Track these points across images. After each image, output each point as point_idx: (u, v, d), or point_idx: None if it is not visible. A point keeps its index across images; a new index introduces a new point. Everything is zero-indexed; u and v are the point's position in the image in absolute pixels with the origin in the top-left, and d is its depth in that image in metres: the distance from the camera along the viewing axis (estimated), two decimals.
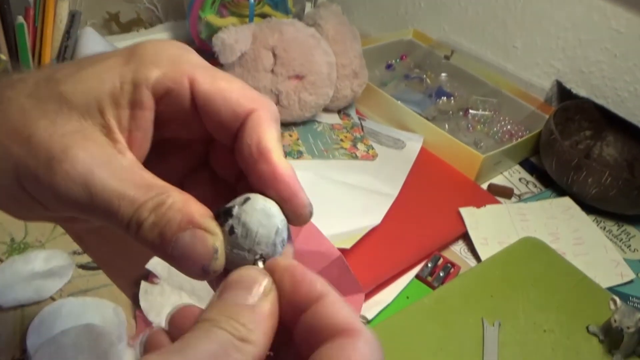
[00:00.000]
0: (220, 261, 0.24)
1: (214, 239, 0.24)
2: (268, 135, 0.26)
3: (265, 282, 0.23)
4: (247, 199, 0.26)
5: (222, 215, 0.25)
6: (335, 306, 0.22)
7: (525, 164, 0.91)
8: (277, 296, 0.23)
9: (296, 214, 0.27)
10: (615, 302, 0.59)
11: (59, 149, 0.25)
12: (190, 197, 0.25)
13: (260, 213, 0.25)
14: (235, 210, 0.25)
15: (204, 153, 0.32)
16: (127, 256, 0.58)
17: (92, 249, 0.61)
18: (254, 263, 0.25)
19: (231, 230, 0.25)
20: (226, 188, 0.31)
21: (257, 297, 0.23)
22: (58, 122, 0.26)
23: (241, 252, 0.25)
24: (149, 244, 0.24)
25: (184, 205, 0.25)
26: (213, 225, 0.25)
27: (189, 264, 0.24)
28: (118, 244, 0.59)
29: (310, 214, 0.27)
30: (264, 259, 0.25)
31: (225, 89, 0.27)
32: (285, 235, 0.26)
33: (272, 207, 0.26)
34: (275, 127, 0.27)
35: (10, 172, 0.26)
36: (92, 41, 0.77)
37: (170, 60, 0.27)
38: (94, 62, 0.27)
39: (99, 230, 0.36)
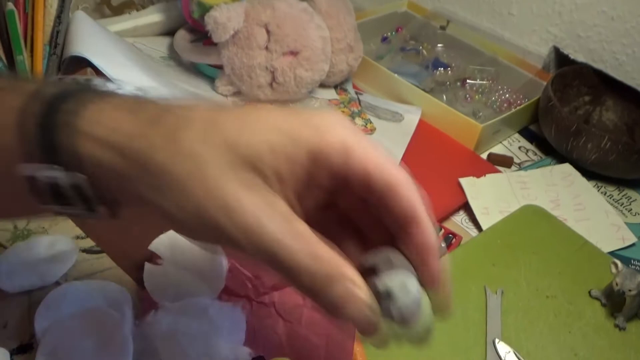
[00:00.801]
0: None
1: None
2: (420, 203, 0.31)
3: None
4: (397, 274, 0.31)
5: (381, 295, 0.30)
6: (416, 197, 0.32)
7: (525, 132, 0.91)
8: None
9: (430, 284, 0.32)
10: (616, 266, 0.59)
11: (232, 203, 0.28)
12: (358, 276, 0.29)
13: (412, 301, 0.30)
14: (392, 292, 0.30)
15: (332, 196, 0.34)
16: (130, 239, 0.59)
17: (95, 232, 0.61)
18: None
19: (387, 312, 0.30)
20: (353, 229, 0.36)
21: None
22: (227, 172, 0.28)
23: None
24: (326, 306, 0.29)
25: (356, 285, 0.29)
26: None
27: (360, 326, 0.30)
28: (121, 227, 0.60)
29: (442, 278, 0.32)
30: None
31: (377, 156, 0.30)
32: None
33: (422, 295, 0.32)
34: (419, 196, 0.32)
35: (193, 213, 0.28)
36: (83, 25, 0.76)
37: (326, 126, 0.30)
38: (265, 113, 0.30)
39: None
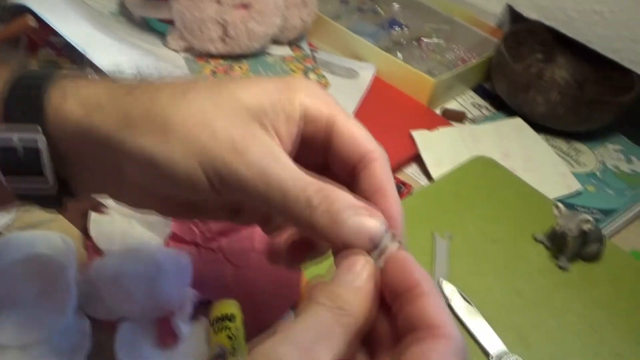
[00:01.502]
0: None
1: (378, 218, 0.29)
2: (387, 175, 0.32)
3: (369, 267, 0.27)
4: None
5: None
6: (435, 304, 0.25)
7: (479, 90, 0.91)
8: (379, 280, 0.27)
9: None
10: (558, 208, 0.61)
11: (241, 143, 0.29)
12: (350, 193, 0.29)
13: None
14: None
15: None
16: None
17: None
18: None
19: None
20: None
21: (361, 281, 0.26)
22: (235, 121, 0.30)
23: None
24: (319, 227, 0.28)
25: (348, 197, 0.28)
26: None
27: (359, 240, 0.27)
28: None
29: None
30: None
31: (355, 131, 0.32)
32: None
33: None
34: (390, 170, 0.33)
35: (196, 155, 0.29)
36: None
37: (319, 96, 0.32)
38: (257, 79, 0.32)
39: None
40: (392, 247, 0.28)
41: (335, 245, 0.28)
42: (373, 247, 0.28)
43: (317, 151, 0.33)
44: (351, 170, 0.32)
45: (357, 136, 0.32)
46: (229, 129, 0.29)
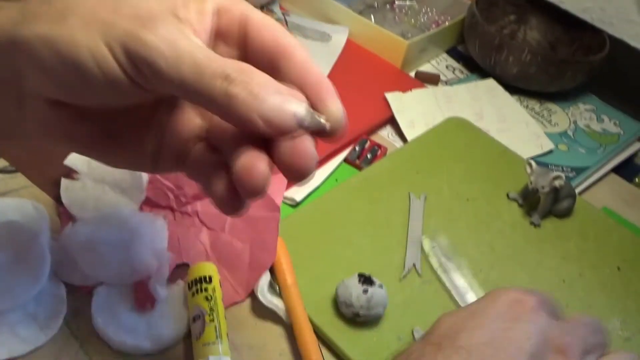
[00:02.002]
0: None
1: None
2: (310, 63, 0.30)
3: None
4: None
5: None
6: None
7: (453, 52, 0.91)
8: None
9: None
10: (530, 166, 0.61)
11: (147, 15, 0.27)
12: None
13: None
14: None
15: None
16: (44, 155, 0.57)
17: (7, 152, 0.59)
18: None
19: None
20: None
21: None
22: (141, 3, 0.28)
23: None
24: (238, 103, 0.26)
25: (269, 77, 0.27)
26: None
27: (282, 116, 0.26)
28: (34, 145, 0.58)
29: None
30: None
31: (271, 24, 0.31)
32: None
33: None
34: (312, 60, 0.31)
35: (98, 30, 0.27)
36: None
37: None
38: None
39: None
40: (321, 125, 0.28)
41: (255, 126, 0.26)
42: (298, 126, 0.27)
43: (233, 48, 0.32)
44: (271, 64, 0.30)
45: (273, 29, 0.30)
46: (134, 5, 0.28)
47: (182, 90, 0.27)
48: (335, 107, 0.29)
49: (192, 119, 0.34)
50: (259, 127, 0.26)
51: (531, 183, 0.61)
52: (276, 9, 0.87)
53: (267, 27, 0.30)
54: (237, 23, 0.31)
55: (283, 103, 0.26)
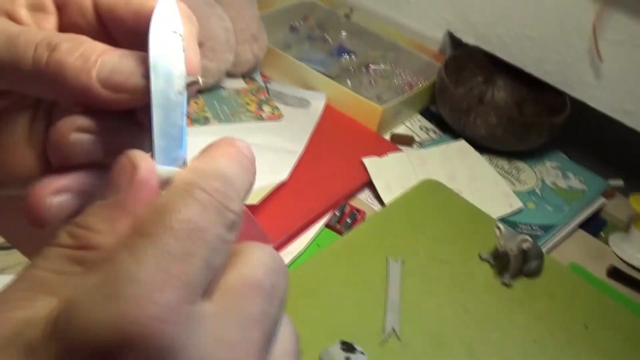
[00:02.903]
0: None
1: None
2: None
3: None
4: None
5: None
6: None
7: (426, 113, 0.96)
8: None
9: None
10: (499, 229, 0.65)
11: None
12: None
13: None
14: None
15: None
16: (41, 233, 0.59)
17: (4, 229, 0.61)
18: None
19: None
20: None
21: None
22: None
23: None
24: (69, 68, 0.22)
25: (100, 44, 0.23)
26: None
27: (120, 79, 0.22)
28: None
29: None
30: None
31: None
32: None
33: None
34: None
35: None
36: None
37: None
38: None
39: (11, 208, 0.33)
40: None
41: (92, 92, 0.22)
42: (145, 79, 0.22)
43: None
44: (131, 35, 0.25)
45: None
46: None
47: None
48: (196, 57, 0.24)
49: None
50: (98, 94, 0.22)
51: (500, 246, 0.64)
52: (257, 77, 0.91)
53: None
54: (90, 13, 0.26)
55: (122, 58, 0.23)
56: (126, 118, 0.25)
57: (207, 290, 0.19)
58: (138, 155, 0.20)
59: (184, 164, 0.22)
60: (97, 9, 0.25)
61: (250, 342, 0.19)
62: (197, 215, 0.19)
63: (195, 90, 0.24)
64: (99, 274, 0.18)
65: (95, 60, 0.22)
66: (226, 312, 0.19)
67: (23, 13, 0.24)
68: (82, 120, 0.24)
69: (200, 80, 0.23)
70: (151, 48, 0.22)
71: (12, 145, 0.26)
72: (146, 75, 0.22)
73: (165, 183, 0.21)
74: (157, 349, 0.17)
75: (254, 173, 0.22)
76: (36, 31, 0.23)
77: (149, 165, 0.20)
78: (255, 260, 0.21)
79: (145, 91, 0.22)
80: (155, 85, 0.22)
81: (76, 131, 0.24)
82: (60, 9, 0.26)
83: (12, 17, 0.24)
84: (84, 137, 0.24)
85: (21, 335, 0.18)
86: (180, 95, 0.23)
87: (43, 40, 0.23)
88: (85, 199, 0.25)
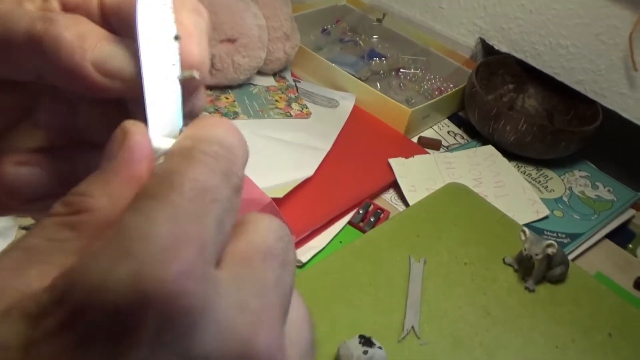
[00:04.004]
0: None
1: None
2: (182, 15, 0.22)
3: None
4: None
5: None
6: None
7: (454, 118, 0.96)
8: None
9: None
10: (525, 233, 0.65)
11: None
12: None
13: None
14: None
15: None
16: None
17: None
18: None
19: None
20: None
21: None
22: None
23: None
24: (63, 44, 0.21)
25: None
26: None
27: (116, 65, 0.21)
28: None
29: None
30: None
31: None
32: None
33: None
34: (187, 14, 0.22)
35: None
36: None
37: None
38: None
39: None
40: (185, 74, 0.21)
41: (84, 74, 0.21)
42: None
43: None
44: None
45: None
46: None
47: None
48: (197, 50, 0.22)
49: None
50: (91, 76, 0.21)
51: (525, 250, 0.64)
52: (288, 76, 0.92)
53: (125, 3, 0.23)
54: (96, 7, 0.23)
55: (120, 45, 0.21)
56: (108, 113, 0.24)
57: (217, 257, 0.18)
58: (130, 123, 0.20)
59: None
60: (103, 10, 0.23)
61: (269, 308, 0.18)
62: (204, 175, 0.18)
63: (194, 86, 0.22)
64: (107, 236, 0.16)
65: (94, 43, 0.21)
66: (241, 279, 0.18)
67: (29, 5, 0.23)
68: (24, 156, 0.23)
69: (197, 75, 0.21)
70: (140, 30, 0.21)
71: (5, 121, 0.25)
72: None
73: (162, 155, 0.20)
74: (179, 309, 0.15)
75: (247, 149, 0.20)
76: (32, 9, 0.22)
77: (142, 130, 0.19)
78: (264, 227, 0.20)
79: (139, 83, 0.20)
80: (147, 68, 0.20)
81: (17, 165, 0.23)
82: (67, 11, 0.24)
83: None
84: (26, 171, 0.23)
85: (19, 305, 0.16)
86: (174, 85, 0.21)
87: (39, 12, 0.21)
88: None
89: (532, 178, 0.85)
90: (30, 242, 0.18)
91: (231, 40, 0.80)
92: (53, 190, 0.24)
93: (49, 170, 0.24)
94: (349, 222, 0.71)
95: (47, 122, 0.25)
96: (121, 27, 0.23)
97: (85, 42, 0.21)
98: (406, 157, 0.81)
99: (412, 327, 0.59)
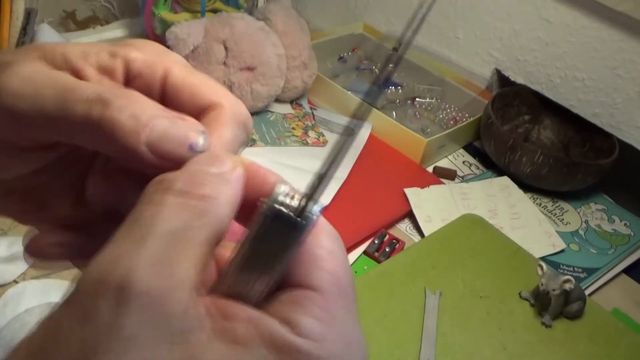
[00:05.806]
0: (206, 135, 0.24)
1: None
2: (218, 133, 0.25)
3: (234, 158, 0.23)
4: None
5: None
6: None
7: (469, 148, 0.96)
8: (244, 173, 0.23)
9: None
10: (542, 268, 0.64)
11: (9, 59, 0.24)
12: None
13: None
14: None
15: None
16: None
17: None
18: None
19: None
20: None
21: (225, 167, 0.22)
22: (18, 57, 0.24)
23: None
24: (118, 126, 0.22)
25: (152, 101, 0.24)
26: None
27: (168, 147, 0.22)
28: None
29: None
30: None
31: (195, 83, 0.26)
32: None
33: None
34: (233, 127, 0.25)
35: None
36: (48, 38, 0.79)
37: (153, 51, 0.26)
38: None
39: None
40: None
41: (138, 154, 0.22)
42: (190, 154, 0.22)
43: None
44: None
45: (196, 86, 0.26)
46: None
47: (48, 123, 0.23)
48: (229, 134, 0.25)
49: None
50: (145, 157, 0.22)
51: (542, 285, 0.63)
52: (305, 103, 0.93)
53: (188, 91, 0.26)
54: (158, 86, 0.26)
55: (172, 126, 0.23)
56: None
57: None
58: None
59: None
60: (163, 90, 0.26)
61: (361, 336, 0.22)
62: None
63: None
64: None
65: (146, 122, 0.22)
66: (341, 308, 0.21)
67: (90, 72, 0.25)
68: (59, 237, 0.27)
69: None
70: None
71: (56, 190, 0.28)
72: (193, 148, 0.23)
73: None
74: None
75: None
76: (86, 84, 0.23)
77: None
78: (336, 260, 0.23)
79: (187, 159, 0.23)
80: None
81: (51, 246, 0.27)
82: (129, 81, 0.26)
83: (78, 74, 0.25)
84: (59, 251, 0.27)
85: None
86: None
87: (95, 93, 0.22)
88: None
89: (547, 210, 0.84)
90: None
91: (250, 69, 0.81)
92: (72, 258, 0.28)
93: (77, 247, 0.27)
94: (364, 252, 0.71)
95: (92, 195, 0.27)
96: (178, 105, 0.25)
97: (139, 123, 0.22)
98: (422, 187, 0.81)
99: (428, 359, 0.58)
